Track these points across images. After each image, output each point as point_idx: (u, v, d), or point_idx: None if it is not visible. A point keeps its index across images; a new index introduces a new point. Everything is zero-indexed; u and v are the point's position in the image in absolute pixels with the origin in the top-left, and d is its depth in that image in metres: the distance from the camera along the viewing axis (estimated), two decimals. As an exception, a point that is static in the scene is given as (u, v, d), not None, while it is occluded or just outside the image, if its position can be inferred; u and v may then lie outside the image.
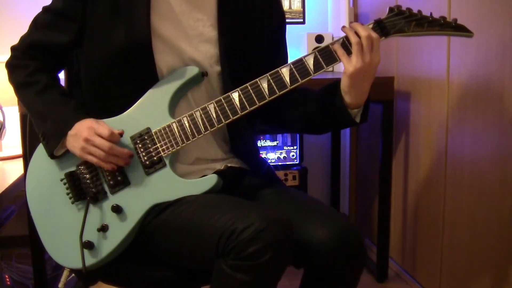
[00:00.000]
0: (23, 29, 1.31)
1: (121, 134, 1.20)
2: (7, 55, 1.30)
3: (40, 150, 1.27)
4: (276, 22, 1.37)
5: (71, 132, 1.19)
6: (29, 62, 1.28)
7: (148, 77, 1.24)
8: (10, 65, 1.31)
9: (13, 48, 1.31)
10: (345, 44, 1.16)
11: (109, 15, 1.22)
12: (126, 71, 1.23)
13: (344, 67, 1.16)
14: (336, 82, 1.21)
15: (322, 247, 1.11)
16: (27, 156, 1.39)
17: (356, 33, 1.14)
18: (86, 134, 1.16)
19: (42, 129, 1.23)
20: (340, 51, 1.15)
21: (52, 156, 1.24)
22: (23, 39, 1.30)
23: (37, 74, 1.27)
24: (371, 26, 1.17)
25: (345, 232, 1.12)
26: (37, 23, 1.29)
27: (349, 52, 1.15)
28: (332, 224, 1.13)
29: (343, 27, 1.17)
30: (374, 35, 1.14)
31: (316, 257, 1.12)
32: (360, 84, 1.17)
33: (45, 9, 1.29)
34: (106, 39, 1.22)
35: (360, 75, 1.15)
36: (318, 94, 1.28)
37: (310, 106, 1.28)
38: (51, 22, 1.27)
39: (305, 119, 1.31)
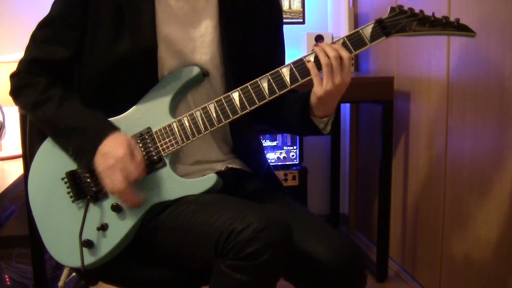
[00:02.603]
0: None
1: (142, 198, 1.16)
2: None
3: (43, 149, 1.27)
4: (275, 21, 1.37)
5: (102, 147, 1.13)
6: (37, 79, 1.21)
7: (149, 81, 1.23)
8: (16, 88, 1.23)
9: (13, 74, 1.24)
10: (319, 62, 1.14)
11: (113, 24, 1.20)
12: (129, 77, 1.22)
13: (314, 88, 1.15)
14: (308, 94, 1.20)
15: (322, 266, 1.10)
16: (27, 156, 1.39)
17: (326, 54, 1.12)
18: (112, 162, 1.11)
19: (70, 147, 1.19)
20: (313, 71, 1.14)
21: (91, 171, 1.17)
22: (21, 61, 1.24)
23: (49, 89, 1.20)
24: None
25: (345, 252, 1.11)
26: (35, 39, 1.23)
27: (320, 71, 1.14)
28: (333, 243, 1.12)
29: (314, 45, 1.15)
30: (344, 54, 1.12)
31: (316, 276, 1.11)
32: (329, 102, 1.17)
33: (42, 23, 1.23)
34: (110, 47, 1.20)
35: (330, 96, 1.15)
36: (291, 101, 1.28)
37: (285, 111, 1.29)
38: (50, 35, 1.22)
39: (282, 122, 1.33)
